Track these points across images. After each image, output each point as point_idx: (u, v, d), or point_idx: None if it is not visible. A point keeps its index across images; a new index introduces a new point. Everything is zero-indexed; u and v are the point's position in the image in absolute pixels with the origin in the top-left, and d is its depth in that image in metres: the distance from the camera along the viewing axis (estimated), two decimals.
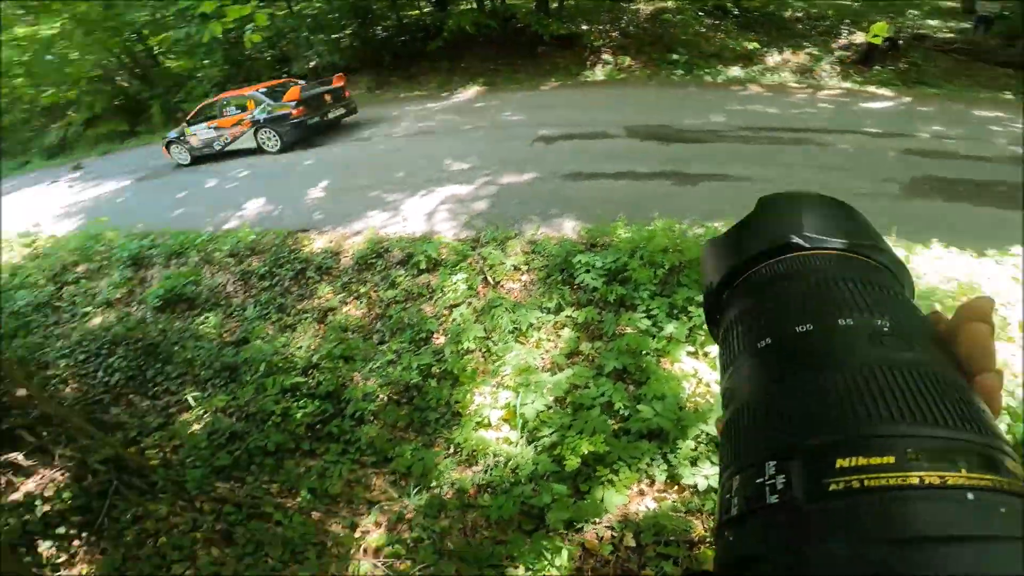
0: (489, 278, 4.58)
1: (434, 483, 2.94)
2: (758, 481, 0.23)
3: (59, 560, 2.77)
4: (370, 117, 10.73)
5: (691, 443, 2.85)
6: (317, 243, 5.64)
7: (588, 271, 4.20)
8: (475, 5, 13.19)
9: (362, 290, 4.88)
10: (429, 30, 12.51)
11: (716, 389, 3.12)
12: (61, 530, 2.84)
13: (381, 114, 10.86)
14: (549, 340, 3.89)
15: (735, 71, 10.92)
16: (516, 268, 4.63)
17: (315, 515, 2.87)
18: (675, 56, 11.16)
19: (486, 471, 3.00)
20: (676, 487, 2.74)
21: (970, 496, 0.20)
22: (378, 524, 2.79)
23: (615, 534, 2.54)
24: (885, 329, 0.26)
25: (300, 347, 4.30)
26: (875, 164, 6.18)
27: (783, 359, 0.27)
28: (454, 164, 7.23)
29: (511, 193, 6.07)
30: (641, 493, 2.77)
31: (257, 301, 5.05)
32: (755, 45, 11.25)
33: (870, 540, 0.19)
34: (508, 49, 12.29)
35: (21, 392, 3.94)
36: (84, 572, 2.75)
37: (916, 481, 0.20)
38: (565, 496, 2.68)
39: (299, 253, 5.48)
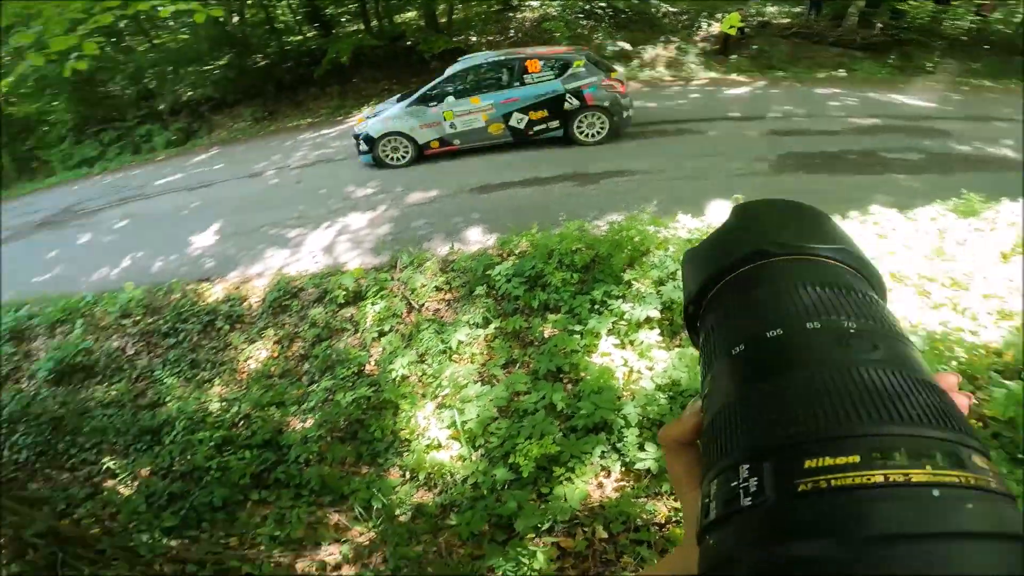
0: (412, 302, 4.68)
1: (397, 511, 3.03)
2: (733, 484, 0.24)
3: None
4: (260, 150, 10.34)
5: (636, 430, 3.06)
6: (217, 291, 5.43)
7: (509, 280, 4.41)
8: (361, 25, 13.04)
9: (281, 333, 4.79)
10: (315, 54, 12.13)
11: (648, 376, 3.41)
12: None
13: (272, 145, 10.48)
14: (482, 354, 4.06)
15: (617, 69, 11.78)
16: (438, 288, 4.76)
17: (283, 561, 2.85)
18: None
19: (445, 491, 3.12)
20: (631, 474, 2.95)
21: (936, 493, 0.21)
22: (349, 560, 2.84)
23: (586, 528, 2.70)
24: (851, 330, 0.27)
25: (223, 400, 4.17)
26: (745, 146, 7.02)
27: (755, 364, 0.28)
28: (357, 191, 7.18)
29: (419, 213, 6.18)
30: (600, 486, 2.96)
31: (165, 360, 4.80)
32: (625, 45, 12.16)
33: (836, 540, 0.20)
34: (399, 68, 12.33)
35: None
36: None
37: (881, 479, 0.21)
38: (529, 501, 2.81)
39: (201, 305, 5.25)
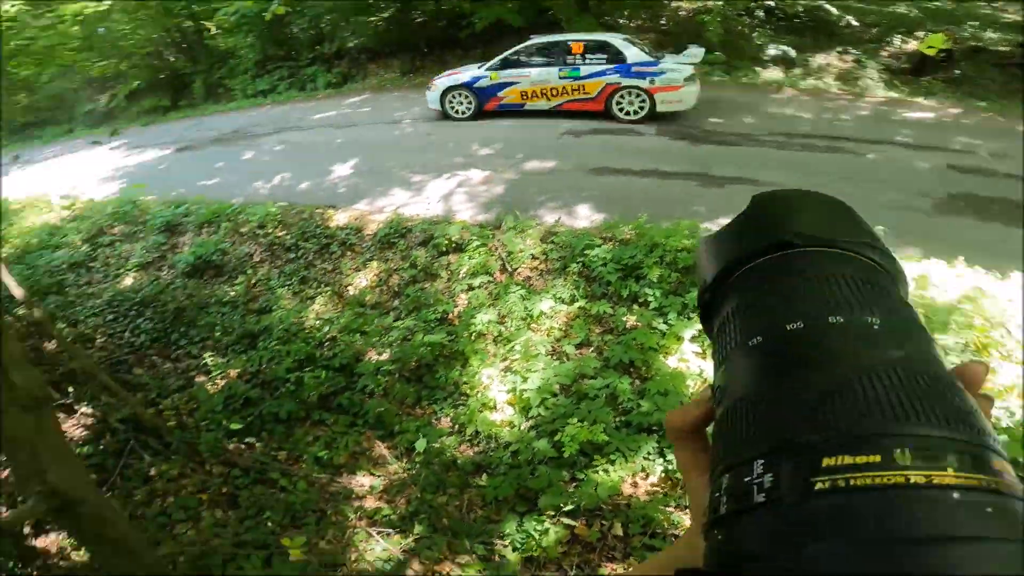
0: (507, 264, 4.60)
1: (435, 459, 2.98)
2: (746, 479, 0.23)
3: None
4: (402, 100, 10.82)
5: None
6: (340, 218, 5.73)
7: (604, 264, 4.20)
8: None
9: (383, 267, 4.94)
10: (466, 17, 12.23)
11: None
12: None
13: (413, 98, 10.89)
14: (560, 329, 3.90)
15: (774, 73, 10.62)
16: (534, 256, 4.65)
17: (319, 482, 2.92)
18: (714, 55, 10.87)
19: (486, 452, 3.03)
20: (668, 482, 2.73)
21: (956, 496, 0.20)
22: (378, 495, 2.84)
23: (605, 522, 2.55)
24: (875, 327, 0.26)
25: (319, 319, 4.37)
26: (908, 177, 5.97)
27: (773, 357, 0.27)
28: (481, 149, 7.24)
29: (533, 182, 6.06)
30: (635, 485, 2.78)
31: (282, 272, 5.16)
32: (789, 49, 10.86)
33: (853, 540, 0.19)
34: None
35: (51, 347, 4.10)
36: None
37: (902, 480, 0.20)
38: (560, 482, 2.70)
39: (324, 228, 5.58)
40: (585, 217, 5.20)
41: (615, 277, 4.08)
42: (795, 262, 0.31)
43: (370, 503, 2.80)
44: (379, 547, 2.55)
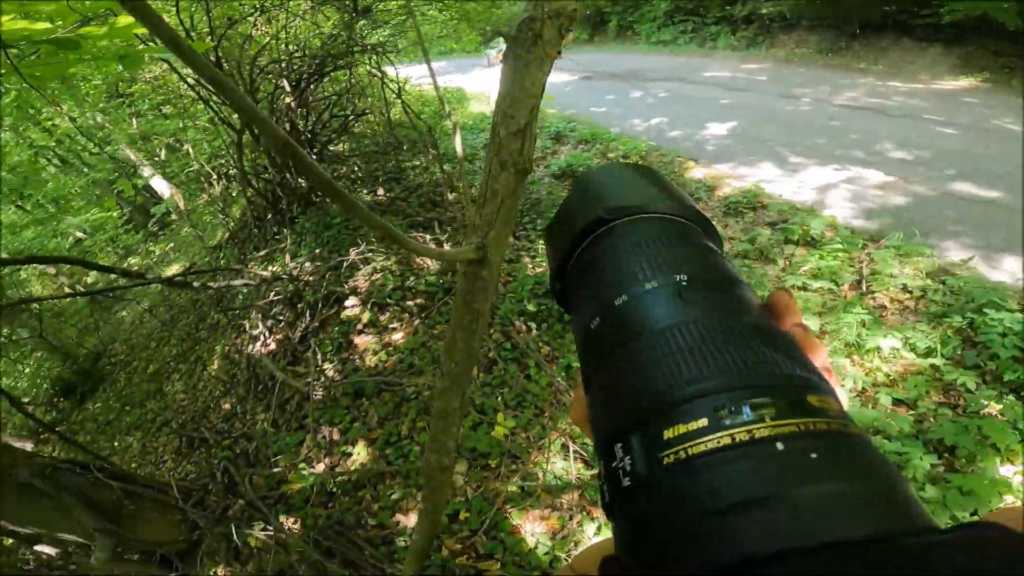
0: (864, 281, 3.76)
1: None
2: (613, 465, 0.22)
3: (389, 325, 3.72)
4: (809, 77, 9.53)
5: None
6: (697, 173, 5.59)
7: (1003, 335, 3.01)
8: None
9: (720, 231, 4.69)
10: (928, 4, 9.25)
11: None
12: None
13: (824, 77, 9.47)
14: (888, 376, 3.05)
15: None
16: (906, 288, 3.66)
17: (556, 387, 3.03)
18: None
19: None
20: None
21: (780, 447, 0.19)
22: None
23: None
24: (683, 283, 0.26)
25: None
26: None
27: (609, 336, 0.26)
28: (892, 151, 5.88)
29: (954, 207, 4.62)
30: None
31: None
32: None
33: (695, 515, 0.18)
34: None
35: (451, 196, 5.33)
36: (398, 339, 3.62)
37: (728, 441, 0.19)
38: None
39: (679, 176, 5.56)
40: (1009, 272, 3.77)
41: (1008, 354, 2.90)
42: (611, 237, 0.31)
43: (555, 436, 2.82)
44: (561, 464, 2.59)
